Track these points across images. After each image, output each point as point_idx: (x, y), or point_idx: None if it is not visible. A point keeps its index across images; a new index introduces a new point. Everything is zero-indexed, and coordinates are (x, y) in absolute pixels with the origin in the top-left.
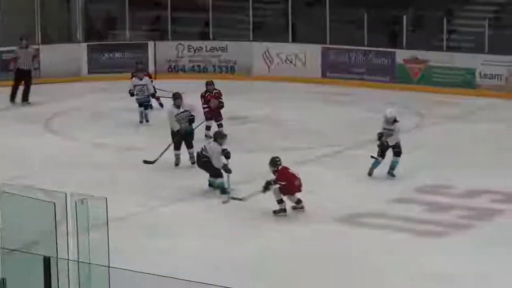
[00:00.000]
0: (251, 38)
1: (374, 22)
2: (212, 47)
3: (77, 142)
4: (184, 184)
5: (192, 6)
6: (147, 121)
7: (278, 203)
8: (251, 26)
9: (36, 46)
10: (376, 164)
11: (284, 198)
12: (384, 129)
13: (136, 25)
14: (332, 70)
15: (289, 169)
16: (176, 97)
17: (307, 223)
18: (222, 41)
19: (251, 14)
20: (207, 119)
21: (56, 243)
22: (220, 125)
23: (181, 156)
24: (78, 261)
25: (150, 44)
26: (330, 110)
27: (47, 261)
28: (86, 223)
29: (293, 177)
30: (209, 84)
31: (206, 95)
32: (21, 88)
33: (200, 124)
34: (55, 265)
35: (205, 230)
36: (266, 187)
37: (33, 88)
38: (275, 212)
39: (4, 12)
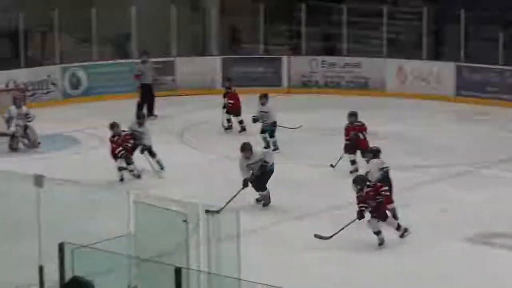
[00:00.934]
0: (385, 55)
1: (510, 40)
2: (346, 63)
3: (211, 155)
4: (313, 200)
5: (326, 21)
6: (276, 149)
7: (376, 234)
8: (385, 43)
9: (172, 59)
10: None
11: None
12: None
13: (270, 39)
14: (467, 88)
15: None
16: (244, 148)
17: (438, 243)
18: (356, 57)
19: (386, 31)
20: (346, 152)
21: (188, 254)
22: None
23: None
24: (209, 273)
25: (284, 58)
26: (463, 128)
27: (178, 272)
28: (218, 235)
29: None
30: (350, 115)
31: (348, 127)
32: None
33: (339, 160)
34: (186, 275)
35: (331, 247)
36: (361, 214)
37: (168, 100)
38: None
39: (140, 25)
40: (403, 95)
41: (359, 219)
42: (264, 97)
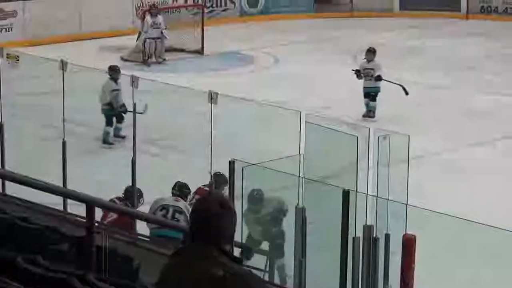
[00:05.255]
0: None
1: None
2: None
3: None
4: (485, 128)
5: None
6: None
7: None
8: None
9: None
10: None
11: None
12: None
13: None
14: None
15: None
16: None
17: None
18: None
19: None
20: None
21: (357, 177)
22: None
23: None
24: (376, 196)
25: None
26: None
27: (346, 194)
28: (387, 159)
29: None
30: None
31: None
32: None
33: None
34: (354, 198)
35: (505, 175)
36: None
37: (345, 21)
38: None
39: None
40: None
41: None
42: (370, 52)
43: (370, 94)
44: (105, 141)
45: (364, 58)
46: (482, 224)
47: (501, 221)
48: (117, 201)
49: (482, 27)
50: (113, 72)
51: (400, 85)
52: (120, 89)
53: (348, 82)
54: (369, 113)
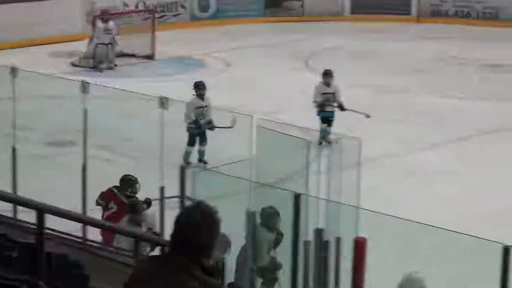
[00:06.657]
0: None
1: None
2: None
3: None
4: (437, 130)
5: None
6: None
7: None
8: None
9: None
10: None
11: None
12: None
13: None
14: None
15: None
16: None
17: None
18: None
19: None
20: None
21: (307, 180)
22: None
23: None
24: (328, 200)
25: None
26: None
27: (297, 198)
28: (339, 163)
29: None
30: None
31: None
32: None
33: None
34: (305, 202)
35: (461, 178)
36: None
37: (296, 25)
38: None
39: None
40: None
41: None
42: (328, 76)
43: (329, 120)
44: (185, 160)
45: (321, 82)
46: (434, 226)
47: (454, 224)
48: (115, 190)
49: (433, 30)
50: (198, 88)
51: (366, 115)
52: (208, 105)
53: (299, 86)
54: (328, 139)
